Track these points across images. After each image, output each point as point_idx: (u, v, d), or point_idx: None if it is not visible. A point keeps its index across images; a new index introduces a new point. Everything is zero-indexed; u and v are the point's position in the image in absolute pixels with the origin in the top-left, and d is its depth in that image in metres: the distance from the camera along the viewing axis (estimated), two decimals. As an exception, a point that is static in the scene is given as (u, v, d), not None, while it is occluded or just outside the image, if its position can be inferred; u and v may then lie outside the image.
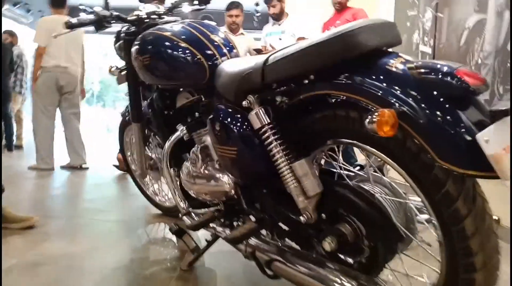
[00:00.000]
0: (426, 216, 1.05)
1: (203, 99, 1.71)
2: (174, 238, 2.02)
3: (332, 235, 1.11)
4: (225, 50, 1.63)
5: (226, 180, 1.51)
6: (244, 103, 1.21)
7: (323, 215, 1.14)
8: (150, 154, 2.38)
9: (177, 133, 1.79)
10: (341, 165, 1.23)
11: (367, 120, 0.88)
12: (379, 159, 1.32)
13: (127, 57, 1.97)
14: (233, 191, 1.50)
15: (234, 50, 1.67)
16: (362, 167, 1.42)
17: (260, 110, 1.19)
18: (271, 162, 1.19)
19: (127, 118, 2.43)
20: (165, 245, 2.02)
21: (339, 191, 1.13)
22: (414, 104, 0.87)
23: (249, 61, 1.27)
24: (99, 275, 1.66)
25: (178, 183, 1.93)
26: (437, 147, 0.85)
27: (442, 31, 3.04)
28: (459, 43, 2.82)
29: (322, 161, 1.31)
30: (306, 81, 1.08)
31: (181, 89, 1.84)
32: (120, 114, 2.54)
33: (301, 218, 1.16)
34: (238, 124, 1.28)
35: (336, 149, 1.28)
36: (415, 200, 1.06)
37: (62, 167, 4.24)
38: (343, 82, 1.01)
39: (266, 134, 1.19)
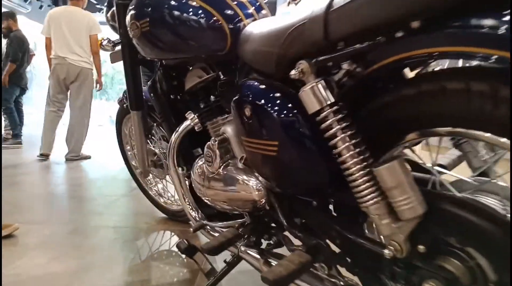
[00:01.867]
0: None
1: (221, 76, 1.29)
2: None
3: (435, 278, 0.71)
4: (251, 10, 1.22)
5: (254, 184, 1.11)
6: (294, 73, 0.79)
7: (421, 247, 0.73)
8: (153, 148, 1.98)
9: (187, 123, 1.39)
10: (438, 168, 0.82)
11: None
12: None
13: (122, 27, 1.56)
14: (264, 200, 1.10)
15: (263, 11, 1.25)
16: (444, 167, 1.02)
17: (319, 85, 0.77)
18: (334, 163, 0.78)
19: (125, 105, 2.02)
20: (171, 263, 1.61)
21: (449, 209, 0.71)
22: None
23: (296, 14, 0.85)
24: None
25: (188, 186, 1.52)
26: None
27: None
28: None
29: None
30: (400, 35, 0.67)
31: (191, 67, 1.42)
32: (117, 101, 2.12)
33: (385, 250, 0.75)
34: (281, 106, 0.87)
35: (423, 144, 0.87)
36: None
37: (67, 160, 4.23)
38: (468, 33, 0.60)
39: (328, 120, 0.77)
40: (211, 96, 1.36)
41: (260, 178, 1.09)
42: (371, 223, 0.84)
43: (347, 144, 0.75)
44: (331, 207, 0.94)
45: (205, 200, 1.35)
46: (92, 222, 2.13)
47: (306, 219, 1.00)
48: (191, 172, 1.42)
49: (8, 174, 3.32)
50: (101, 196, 2.71)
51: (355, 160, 0.75)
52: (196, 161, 1.40)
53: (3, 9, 8.53)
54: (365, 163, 0.74)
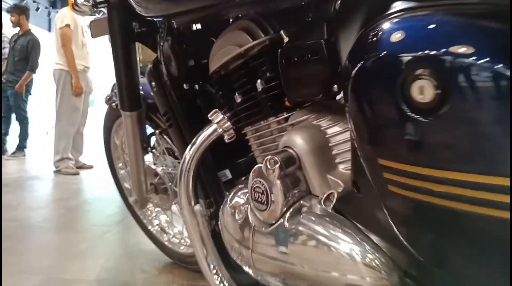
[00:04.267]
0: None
1: (284, 38, 0.69)
2: None
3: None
4: None
5: (374, 257, 0.49)
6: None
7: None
8: (154, 166, 1.38)
9: (211, 129, 0.80)
10: None
11: None
12: None
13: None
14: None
15: None
16: None
17: None
18: None
19: (114, 105, 1.42)
20: None
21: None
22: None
23: None
24: None
25: (210, 232, 0.91)
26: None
27: None
28: None
29: None
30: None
31: (220, 34, 0.83)
32: (105, 99, 1.52)
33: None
34: None
35: None
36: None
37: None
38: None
39: None
40: (258, 81, 0.75)
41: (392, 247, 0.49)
42: None
43: None
44: None
45: (245, 267, 0.74)
46: (68, 272, 1.50)
47: None
48: (220, 214, 0.81)
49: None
50: (88, 227, 2.10)
51: None
52: (229, 195, 0.79)
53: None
54: None
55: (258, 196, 0.65)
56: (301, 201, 0.63)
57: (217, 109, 0.87)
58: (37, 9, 8.33)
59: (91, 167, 4.03)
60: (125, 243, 1.89)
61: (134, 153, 1.29)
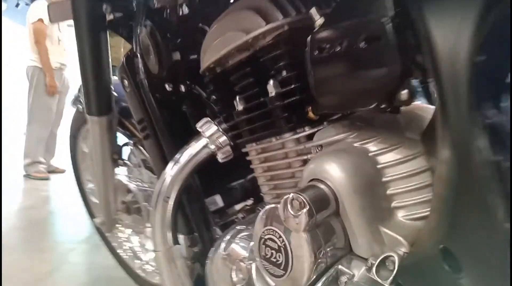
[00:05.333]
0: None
1: (315, 19, 0.46)
2: None
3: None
4: None
5: None
6: None
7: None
8: (126, 182, 1.14)
9: (199, 144, 0.56)
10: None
11: None
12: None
13: None
14: None
15: None
16: None
17: None
18: None
19: (81, 107, 1.18)
20: None
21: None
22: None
23: None
24: None
25: (191, 283, 0.68)
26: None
27: None
28: None
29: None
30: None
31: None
32: (71, 102, 1.28)
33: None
34: None
35: None
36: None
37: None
38: None
39: None
40: (271, 83, 0.53)
41: None
42: None
43: None
44: None
45: None
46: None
47: None
48: (208, 260, 0.59)
49: None
50: (51, 245, 1.84)
51: None
52: (224, 237, 0.57)
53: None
54: None
55: (271, 254, 0.43)
56: (339, 266, 0.41)
57: (208, 118, 0.65)
58: (17, 5, 7.94)
59: (63, 171, 3.73)
60: (91, 266, 1.64)
61: (102, 166, 1.05)
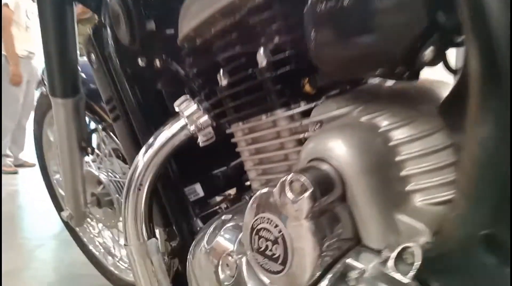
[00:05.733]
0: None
1: None
2: None
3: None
4: None
5: None
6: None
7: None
8: (96, 172, 1.05)
9: (177, 126, 0.48)
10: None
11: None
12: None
13: None
14: None
15: None
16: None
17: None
18: None
19: (45, 90, 1.07)
20: None
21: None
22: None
23: None
24: None
25: (169, 282, 0.60)
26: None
27: None
28: None
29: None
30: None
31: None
32: (36, 84, 1.17)
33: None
34: None
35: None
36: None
37: None
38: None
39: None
40: (261, 51, 0.46)
41: None
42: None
43: None
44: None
45: None
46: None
47: None
48: (189, 255, 0.51)
49: None
50: (18, 241, 1.72)
51: None
52: (207, 230, 0.49)
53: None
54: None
55: (266, 247, 0.36)
56: (347, 260, 0.35)
57: (188, 96, 0.57)
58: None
59: (33, 165, 3.55)
60: (61, 264, 1.53)
61: (69, 154, 0.96)
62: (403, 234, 0.35)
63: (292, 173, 0.35)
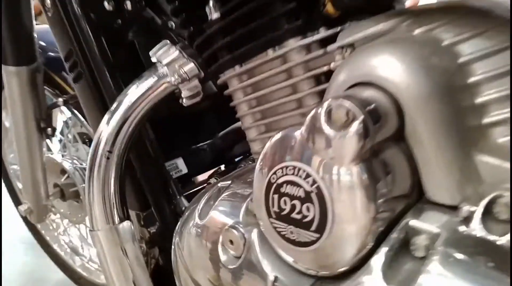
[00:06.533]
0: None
1: None
2: None
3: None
4: None
5: None
6: None
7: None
8: (59, 159, 0.92)
9: (152, 80, 0.36)
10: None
11: None
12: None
13: None
14: None
15: None
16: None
17: None
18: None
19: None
20: None
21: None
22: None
23: None
24: None
25: (148, 276, 0.48)
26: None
27: None
28: None
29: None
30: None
31: None
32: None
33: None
34: None
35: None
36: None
37: None
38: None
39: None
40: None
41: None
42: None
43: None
44: None
45: None
46: None
47: None
48: (174, 238, 0.40)
49: None
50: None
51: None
52: (198, 203, 0.38)
53: None
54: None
55: (292, 208, 0.25)
56: (409, 222, 0.24)
57: (167, 41, 0.46)
58: None
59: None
60: (23, 267, 1.37)
61: (26, 136, 0.83)
62: (487, 181, 0.24)
63: (330, 99, 0.24)
